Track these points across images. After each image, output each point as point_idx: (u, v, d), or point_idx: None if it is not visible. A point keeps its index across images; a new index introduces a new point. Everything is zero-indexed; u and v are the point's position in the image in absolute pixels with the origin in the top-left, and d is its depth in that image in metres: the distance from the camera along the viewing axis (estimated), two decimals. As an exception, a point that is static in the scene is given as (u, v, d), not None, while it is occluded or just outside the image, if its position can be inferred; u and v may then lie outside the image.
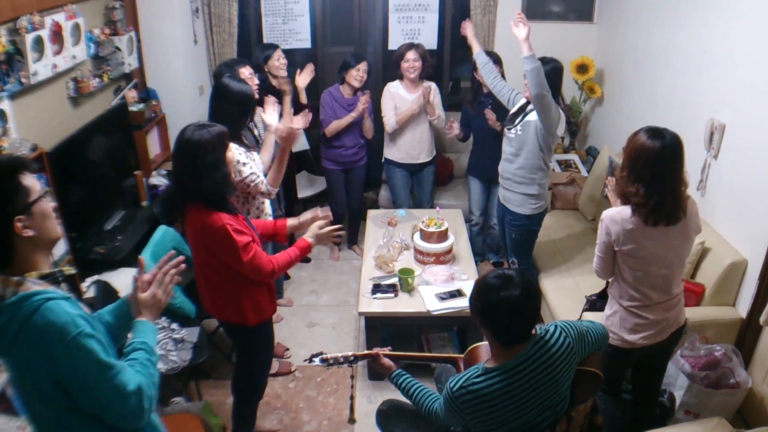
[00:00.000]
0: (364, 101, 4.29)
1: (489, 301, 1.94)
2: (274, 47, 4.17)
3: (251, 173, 2.96)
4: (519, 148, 3.55)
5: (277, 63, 4.12)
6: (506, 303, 1.90)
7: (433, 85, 4.41)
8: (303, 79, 4.21)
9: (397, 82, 4.44)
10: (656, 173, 2.31)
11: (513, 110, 3.63)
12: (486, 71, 3.78)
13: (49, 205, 1.59)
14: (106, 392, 1.50)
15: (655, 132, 2.34)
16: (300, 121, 3.40)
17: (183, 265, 1.82)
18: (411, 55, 4.27)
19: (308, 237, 2.67)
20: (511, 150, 3.60)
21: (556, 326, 2.06)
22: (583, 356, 2.10)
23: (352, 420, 2.93)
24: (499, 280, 1.93)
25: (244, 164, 2.93)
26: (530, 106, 3.46)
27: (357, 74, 4.29)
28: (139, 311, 1.74)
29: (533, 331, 2.00)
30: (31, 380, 1.50)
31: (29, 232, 1.51)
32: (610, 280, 2.63)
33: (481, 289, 1.98)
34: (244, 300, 2.57)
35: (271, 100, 3.43)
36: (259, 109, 3.66)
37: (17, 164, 1.55)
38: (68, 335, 1.44)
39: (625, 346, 2.55)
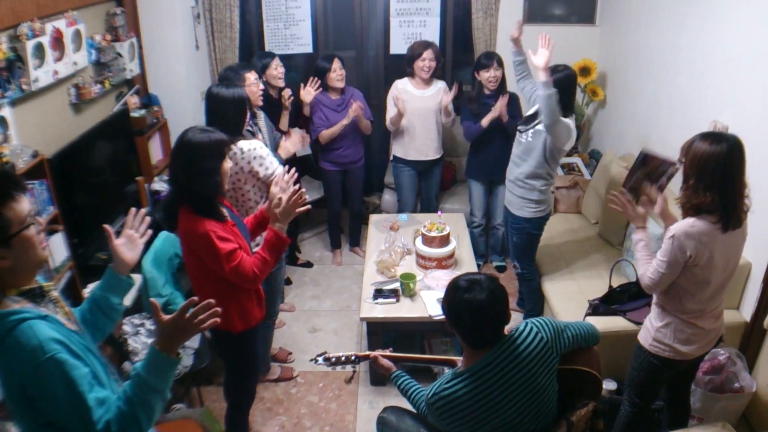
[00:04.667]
0: (354, 109, 4.24)
1: (454, 302, 1.99)
2: (271, 56, 4.13)
3: (277, 168, 3.00)
4: (526, 153, 3.55)
5: (275, 72, 4.08)
6: (470, 305, 1.94)
7: (443, 85, 4.42)
8: (308, 93, 4.21)
9: (405, 80, 4.41)
10: (727, 178, 2.26)
11: (529, 113, 3.63)
12: (516, 71, 3.81)
13: (34, 231, 1.53)
14: (72, 421, 1.47)
15: (715, 137, 2.28)
16: (298, 144, 3.55)
17: (218, 310, 1.63)
18: (428, 54, 4.25)
19: (271, 223, 2.53)
20: (518, 153, 3.61)
21: (527, 323, 2.06)
22: (562, 352, 2.10)
23: (350, 380, 2.92)
24: (467, 283, 1.98)
25: (270, 159, 2.99)
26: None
27: (335, 75, 4.28)
28: (158, 338, 1.61)
29: (505, 331, 2.02)
30: (9, 396, 1.49)
31: (6, 263, 1.47)
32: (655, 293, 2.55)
33: (449, 289, 2.03)
34: (231, 306, 2.54)
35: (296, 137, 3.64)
36: (261, 114, 3.67)
37: (0, 193, 1.46)
38: (36, 360, 1.41)
39: (677, 357, 2.51)
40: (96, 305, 1.84)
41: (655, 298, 2.57)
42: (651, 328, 2.55)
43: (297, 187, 2.55)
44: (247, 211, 3.07)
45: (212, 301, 1.62)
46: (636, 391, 2.69)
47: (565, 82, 3.35)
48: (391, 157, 4.66)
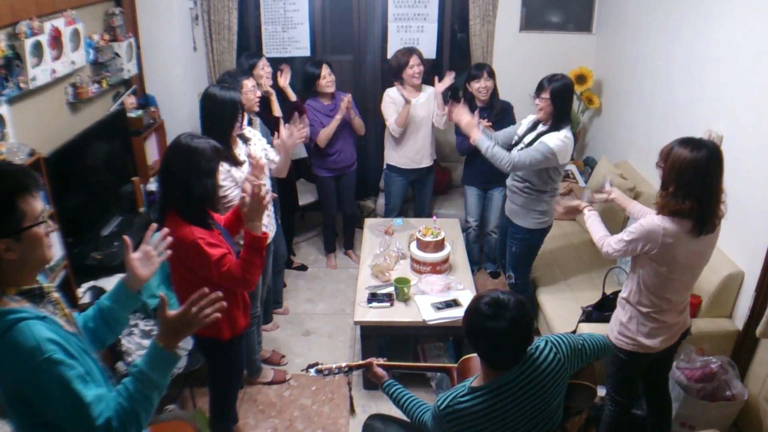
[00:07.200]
0: (346, 102, 4.26)
1: (474, 327, 1.92)
2: (258, 56, 4.11)
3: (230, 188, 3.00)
4: (526, 173, 3.49)
5: (262, 72, 4.04)
6: (490, 334, 1.87)
7: (433, 90, 4.42)
8: (284, 78, 4.19)
9: (395, 89, 4.41)
10: (705, 185, 2.28)
11: (522, 131, 3.58)
12: (491, 156, 3.41)
13: (44, 231, 1.54)
14: (70, 421, 1.47)
15: (694, 143, 2.30)
16: (296, 133, 3.37)
17: (224, 303, 1.68)
18: (414, 60, 4.25)
19: (245, 225, 2.50)
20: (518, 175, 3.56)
21: (546, 341, 2.02)
22: (575, 369, 2.08)
23: (352, 412, 2.94)
24: (490, 308, 1.88)
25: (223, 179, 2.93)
26: (541, 128, 3.42)
27: (325, 81, 4.29)
28: (161, 334, 1.62)
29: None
30: (5, 395, 1.49)
31: (12, 256, 1.47)
32: (623, 287, 2.63)
33: (470, 312, 1.95)
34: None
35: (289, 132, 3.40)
36: (258, 121, 3.67)
37: (20, 186, 1.49)
38: (33, 360, 1.41)
39: (641, 351, 2.56)
40: (101, 315, 1.82)
41: (622, 292, 2.63)
42: (616, 322, 2.63)
43: (259, 182, 2.52)
44: (223, 208, 3.01)
45: (220, 293, 1.64)
46: (614, 388, 2.73)
47: (564, 92, 3.32)
48: (385, 165, 4.65)
